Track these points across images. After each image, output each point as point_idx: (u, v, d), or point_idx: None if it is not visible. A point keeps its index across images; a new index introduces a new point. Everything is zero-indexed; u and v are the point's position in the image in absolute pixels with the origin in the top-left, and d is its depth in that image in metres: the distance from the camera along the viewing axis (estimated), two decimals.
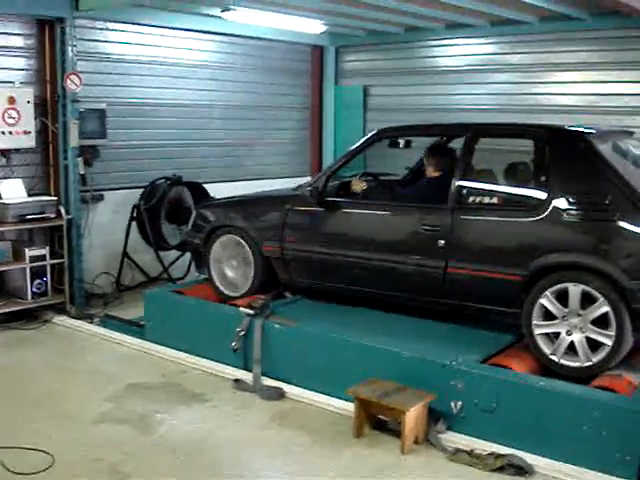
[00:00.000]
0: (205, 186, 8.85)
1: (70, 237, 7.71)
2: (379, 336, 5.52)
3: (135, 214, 8.51)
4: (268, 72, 10.37)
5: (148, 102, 8.85)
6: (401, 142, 6.33)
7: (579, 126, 5.49)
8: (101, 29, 8.31)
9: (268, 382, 5.74)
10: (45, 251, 7.50)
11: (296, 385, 5.68)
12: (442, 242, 5.46)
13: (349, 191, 6.22)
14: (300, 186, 6.53)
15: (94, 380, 5.94)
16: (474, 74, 9.64)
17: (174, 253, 8.85)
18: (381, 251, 5.80)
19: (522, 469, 4.49)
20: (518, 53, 9.27)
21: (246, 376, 5.85)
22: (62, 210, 7.61)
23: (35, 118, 7.52)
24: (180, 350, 6.42)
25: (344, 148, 6.99)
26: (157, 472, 4.48)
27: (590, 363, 4.92)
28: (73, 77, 7.45)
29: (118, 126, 8.39)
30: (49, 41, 7.62)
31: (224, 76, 9.75)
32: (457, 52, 9.86)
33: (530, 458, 4.58)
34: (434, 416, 4.95)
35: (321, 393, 5.53)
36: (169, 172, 8.70)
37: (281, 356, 5.82)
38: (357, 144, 6.23)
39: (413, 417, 4.75)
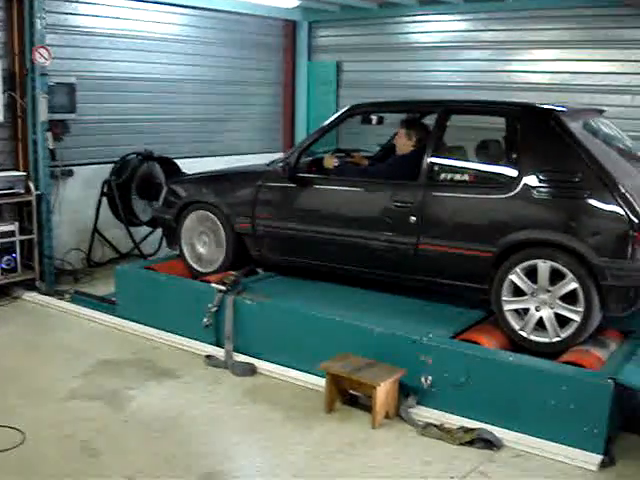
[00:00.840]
0: (177, 161, 8.78)
1: (40, 213, 7.61)
2: (350, 312, 5.55)
3: (106, 190, 8.43)
4: (240, 47, 10.28)
5: (119, 76, 8.73)
6: (374, 118, 6.33)
7: (551, 104, 5.51)
8: (71, 1, 8.15)
9: (240, 358, 5.75)
10: (14, 227, 7.42)
11: (268, 361, 5.69)
12: (413, 218, 5.48)
13: (321, 167, 6.22)
14: (272, 162, 6.51)
15: (65, 357, 5.91)
16: (447, 51, 9.64)
17: (145, 229, 8.80)
18: (353, 227, 5.81)
19: (491, 443, 4.56)
20: (491, 30, 9.28)
21: (218, 352, 5.85)
22: (31, 185, 7.50)
23: (3, 92, 7.39)
24: (152, 326, 6.39)
25: (317, 124, 6.96)
26: (129, 448, 4.48)
27: (558, 339, 4.99)
28: (42, 50, 7.32)
29: (88, 100, 8.26)
30: (18, 13, 7.45)
31: (196, 50, 9.64)
32: (431, 28, 9.84)
33: (499, 432, 4.64)
34: (405, 391, 4.99)
35: (293, 369, 5.55)
36: (140, 147, 8.63)
37: (253, 332, 5.82)
38: (330, 120, 6.22)
39: (384, 392, 4.79)
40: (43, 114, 7.46)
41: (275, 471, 4.27)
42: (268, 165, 6.50)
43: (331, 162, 6.17)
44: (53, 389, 5.27)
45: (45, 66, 7.39)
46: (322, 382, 5.09)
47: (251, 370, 5.62)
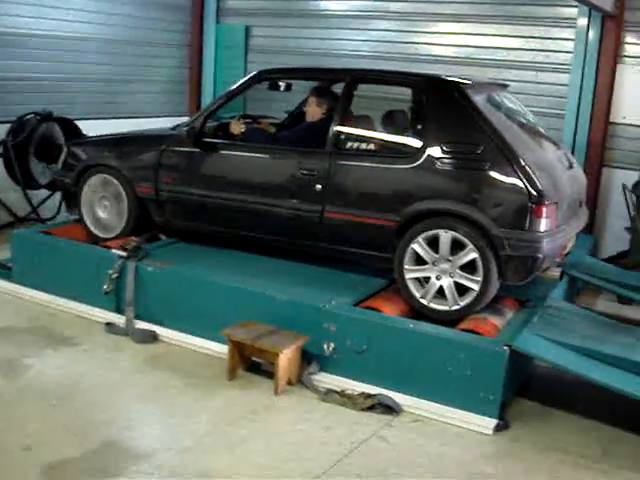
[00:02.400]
0: (77, 123, 8.49)
1: None
2: (254, 279, 5.53)
3: (2, 150, 8.09)
4: (145, 6, 9.97)
5: (17, 32, 8.32)
6: (281, 85, 6.28)
7: (455, 76, 5.58)
8: None
9: (141, 325, 5.65)
10: None
11: (170, 328, 5.62)
12: (319, 187, 5.48)
13: (228, 133, 6.13)
14: (177, 126, 6.38)
15: None
16: (357, 20, 9.61)
17: (43, 192, 8.49)
18: (258, 194, 5.77)
19: (391, 408, 4.65)
20: (399, 1, 9.30)
21: (118, 319, 5.74)
22: None
23: None
24: (49, 293, 6.19)
25: (224, 89, 6.85)
26: (26, 418, 4.35)
27: (458, 307, 5.11)
28: None
29: None
30: None
31: (100, 8, 9.29)
32: None
33: (399, 397, 4.74)
34: (307, 358, 5.02)
35: (195, 336, 5.50)
36: (39, 107, 8.29)
37: (155, 299, 5.73)
38: (236, 85, 6.12)
39: (286, 359, 4.81)
40: None
41: (176, 438, 4.24)
42: (173, 129, 6.37)
43: (238, 128, 6.09)
44: None
45: None
46: (224, 349, 5.06)
47: (152, 337, 5.53)
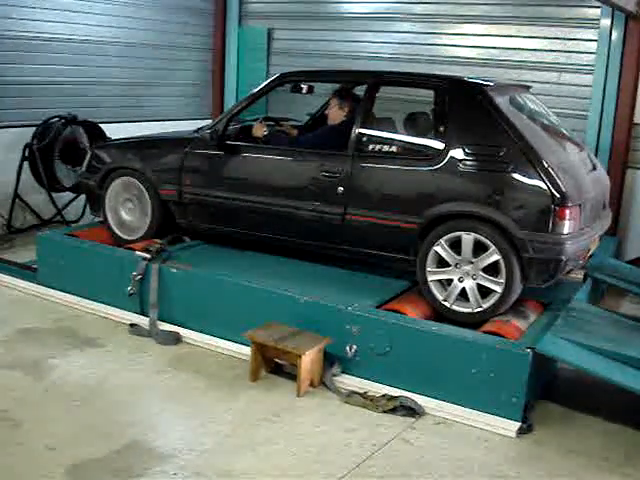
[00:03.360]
0: (102, 126, 8.55)
1: None
2: (277, 281, 5.54)
3: (27, 154, 8.17)
4: (169, 10, 10.03)
5: (42, 36, 8.41)
6: (303, 87, 6.29)
7: (478, 78, 5.58)
8: None
9: (165, 327, 5.69)
10: None
11: (193, 330, 5.65)
12: (341, 189, 5.50)
13: (250, 135, 6.16)
14: (200, 129, 6.41)
15: None
16: (379, 22, 9.61)
17: (68, 195, 8.58)
18: (281, 196, 5.79)
19: (413, 410, 4.65)
20: (422, 3, 9.29)
21: (142, 321, 5.78)
22: None
23: None
24: (74, 295, 6.25)
25: (246, 92, 6.89)
26: (50, 418, 4.39)
27: (480, 309, 5.11)
28: None
29: (9, 60, 7.97)
30: None
31: (123, 12, 9.37)
32: None
33: (421, 400, 4.73)
34: (330, 360, 5.03)
35: (218, 337, 5.53)
36: (64, 110, 8.37)
37: (178, 301, 5.76)
38: (259, 87, 6.15)
39: (309, 360, 4.82)
40: None
41: (199, 439, 4.26)
42: (196, 132, 6.41)
43: (260, 130, 6.12)
44: None
45: None
46: (247, 351, 5.09)
47: (175, 339, 5.57)
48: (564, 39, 8.42)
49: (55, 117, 8.27)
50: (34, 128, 8.17)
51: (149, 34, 9.78)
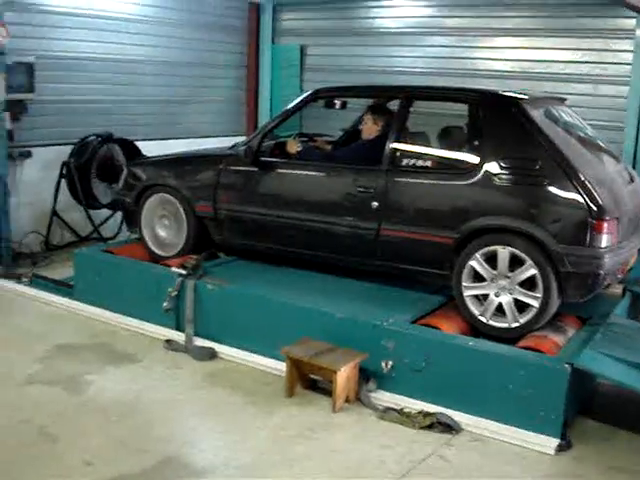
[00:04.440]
0: (137, 144, 8.67)
1: None
2: (312, 296, 5.55)
3: (65, 171, 8.30)
4: (203, 28, 10.16)
5: (79, 56, 8.57)
6: (337, 103, 6.30)
7: (512, 91, 5.54)
8: None
9: (200, 342, 5.71)
10: None
11: (228, 345, 5.67)
12: (375, 204, 5.48)
13: (284, 151, 6.18)
14: (235, 145, 6.45)
15: (22, 341, 5.82)
16: (411, 37, 9.65)
17: (105, 212, 8.69)
18: (315, 212, 5.79)
19: (450, 427, 4.60)
20: (455, 17, 9.31)
21: (178, 336, 5.81)
22: None
23: None
24: (111, 311, 6.31)
25: (280, 108, 6.92)
26: (87, 433, 4.43)
27: (517, 324, 5.04)
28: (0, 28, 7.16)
29: (47, 80, 8.10)
30: None
31: (158, 31, 9.51)
32: (395, 14, 9.85)
33: (458, 416, 4.69)
34: (365, 375, 5.01)
35: (253, 353, 5.53)
36: (100, 129, 8.50)
37: (213, 316, 5.79)
38: (293, 104, 6.17)
39: (344, 376, 4.80)
40: (0, 94, 7.29)
41: (234, 455, 4.26)
42: (230, 148, 6.45)
43: (294, 147, 6.14)
44: (10, 374, 5.18)
45: (3, 45, 7.22)
46: (283, 366, 5.08)
47: (211, 354, 5.58)
48: (599, 50, 8.37)
49: (92, 135, 8.40)
50: (71, 146, 8.31)
51: (184, 52, 9.90)
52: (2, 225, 7.53)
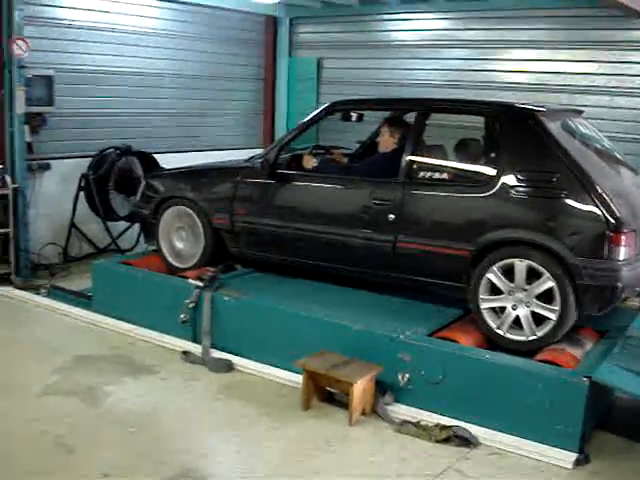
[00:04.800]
0: (155, 156, 8.73)
1: (16, 206, 7.53)
2: (328, 309, 5.55)
3: (83, 184, 8.36)
4: (221, 42, 10.24)
5: (98, 69, 8.66)
6: (353, 115, 6.32)
7: (529, 104, 5.53)
8: None
9: (217, 354, 5.73)
10: None
11: (245, 357, 5.68)
12: (392, 216, 5.48)
13: (301, 164, 6.20)
14: (251, 158, 6.48)
15: (40, 352, 5.86)
16: (428, 49, 9.66)
17: (123, 224, 8.75)
18: (332, 224, 5.80)
19: (467, 440, 4.58)
20: (471, 29, 9.31)
21: (195, 348, 5.83)
22: (8, 179, 7.44)
23: None
24: (128, 322, 6.34)
25: (297, 120, 6.96)
26: (103, 444, 4.45)
27: (535, 337, 5.02)
28: (20, 42, 7.24)
29: (66, 93, 8.19)
30: None
31: (176, 45, 9.60)
32: (411, 26, 9.86)
33: (475, 429, 4.67)
34: (381, 388, 5.00)
35: (270, 365, 5.54)
36: (118, 141, 8.57)
37: (230, 328, 5.80)
38: (309, 117, 6.20)
39: (360, 389, 4.80)
40: (20, 107, 7.39)
41: (251, 467, 4.26)
42: (247, 161, 6.48)
43: (310, 162, 6.15)
44: (28, 385, 5.21)
45: (23, 58, 7.32)
46: (299, 379, 5.08)
47: (228, 366, 5.59)
48: (616, 62, 8.34)
49: (110, 148, 8.49)
50: (90, 159, 8.39)
51: (202, 66, 9.98)
52: (21, 236, 7.61)
